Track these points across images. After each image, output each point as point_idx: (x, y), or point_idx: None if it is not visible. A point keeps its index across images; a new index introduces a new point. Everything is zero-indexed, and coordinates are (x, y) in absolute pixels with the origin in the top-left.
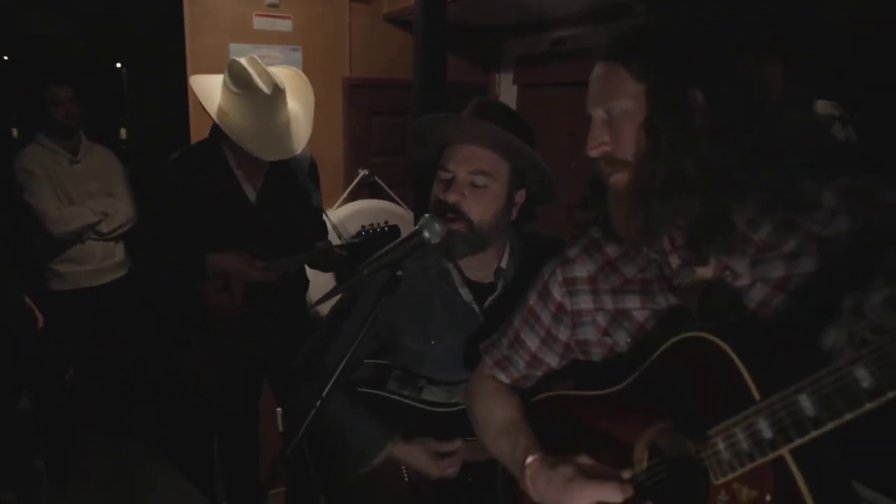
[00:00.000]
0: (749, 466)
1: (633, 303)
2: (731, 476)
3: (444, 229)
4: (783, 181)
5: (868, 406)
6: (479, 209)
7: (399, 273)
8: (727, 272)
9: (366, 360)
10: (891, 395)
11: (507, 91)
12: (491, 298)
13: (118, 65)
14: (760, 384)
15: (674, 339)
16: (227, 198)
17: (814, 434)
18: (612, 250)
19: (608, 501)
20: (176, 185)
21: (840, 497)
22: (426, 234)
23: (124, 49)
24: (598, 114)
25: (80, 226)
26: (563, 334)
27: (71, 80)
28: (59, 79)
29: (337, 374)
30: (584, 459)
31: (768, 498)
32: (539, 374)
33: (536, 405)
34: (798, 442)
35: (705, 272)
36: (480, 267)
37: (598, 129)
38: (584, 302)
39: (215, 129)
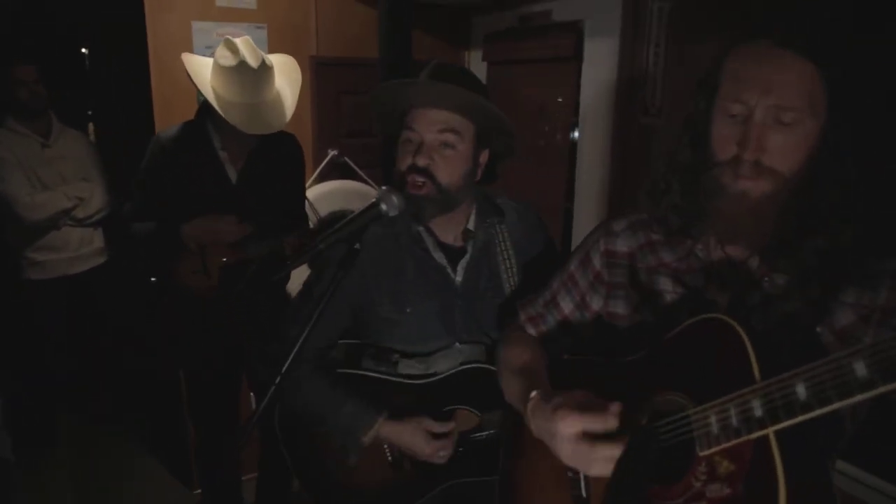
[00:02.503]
0: (734, 441)
1: (665, 285)
2: (715, 449)
3: (402, 202)
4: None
5: (857, 397)
6: (448, 170)
7: (356, 247)
8: (766, 279)
9: (339, 342)
10: (881, 388)
11: (476, 68)
12: (463, 261)
13: (83, 50)
14: (764, 368)
15: (694, 319)
16: (209, 177)
17: (800, 418)
18: (656, 234)
19: (592, 429)
20: (159, 160)
21: (812, 484)
22: (383, 206)
23: (85, 29)
24: (765, 112)
25: (54, 212)
26: (596, 303)
27: (33, 59)
28: (21, 58)
29: (299, 345)
30: (577, 393)
31: (744, 473)
32: (567, 340)
33: (555, 365)
34: (785, 423)
35: (746, 271)
36: (450, 228)
37: (763, 131)
38: (621, 276)
39: (202, 110)
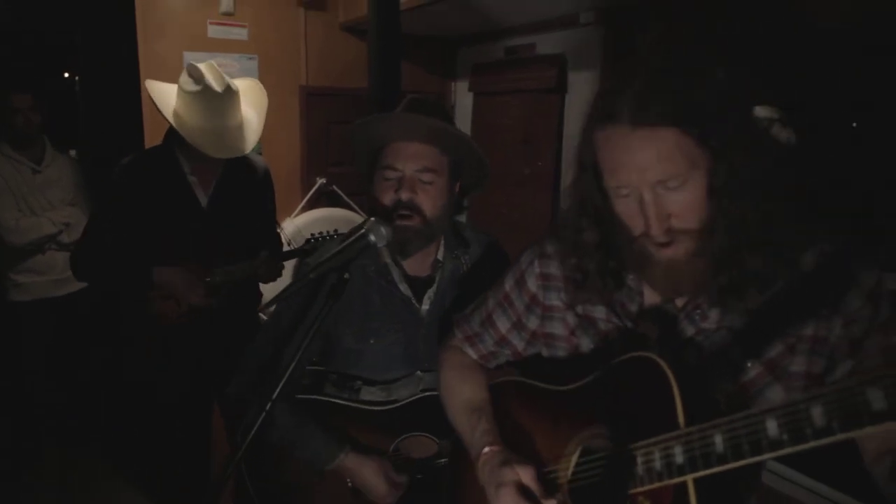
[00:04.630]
0: (657, 485)
1: (599, 313)
2: (639, 490)
3: (390, 233)
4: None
5: (766, 455)
6: (430, 203)
7: (346, 276)
8: (697, 311)
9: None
10: (788, 449)
11: (463, 98)
12: (430, 291)
13: (67, 75)
14: (689, 414)
15: (629, 355)
16: (179, 202)
17: (717, 469)
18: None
19: None
20: (126, 189)
21: None
22: (372, 237)
23: (77, 57)
24: (651, 190)
25: (39, 237)
26: (532, 323)
27: (29, 87)
28: (18, 86)
29: (284, 380)
30: (527, 474)
31: None
32: (507, 352)
33: (496, 387)
34: (702, 473)
35: (678, 305)
36: (421, 260)
37: (658, 203)
38: (557, 299)
39: (169, 135)
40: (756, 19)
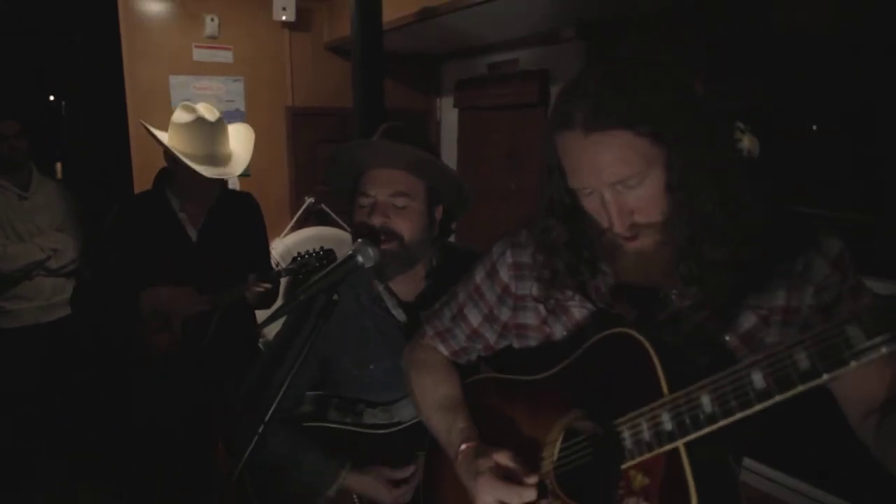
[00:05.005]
0: (647, 455)
1: (572, 299)
2: (630, 463)
3: (377, 254)
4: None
5: (756, 406)
6: (406, 227)
7: (335, 297)
8: (675, 292)
9: (307, 392)
10: (777, 398)
11: (448, 114)
12: (416, 315)
13: (51, 97)
14: (671, 381)
15: (603, 333)
16: (171, 239)
17: (707, 429)
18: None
19: (508, 501)
20: (119, 233)
21: (721, 493)
22: (360, 258)
23: (62, 82)
24: (610, 189)
25: (27, 263)
26: (504, 315)
27: (16, 114)
28: (3, 113)
29: (277, 401)
30: (503, 457)
31: (658, 486)
32: (479, 346)
33: (471, 385)
34: (693, 435)
35: (657, 289)
36: (409, 285)
37: (619, 202)
38: (529, 288)
39: (159, 178)
40: (730, 30)
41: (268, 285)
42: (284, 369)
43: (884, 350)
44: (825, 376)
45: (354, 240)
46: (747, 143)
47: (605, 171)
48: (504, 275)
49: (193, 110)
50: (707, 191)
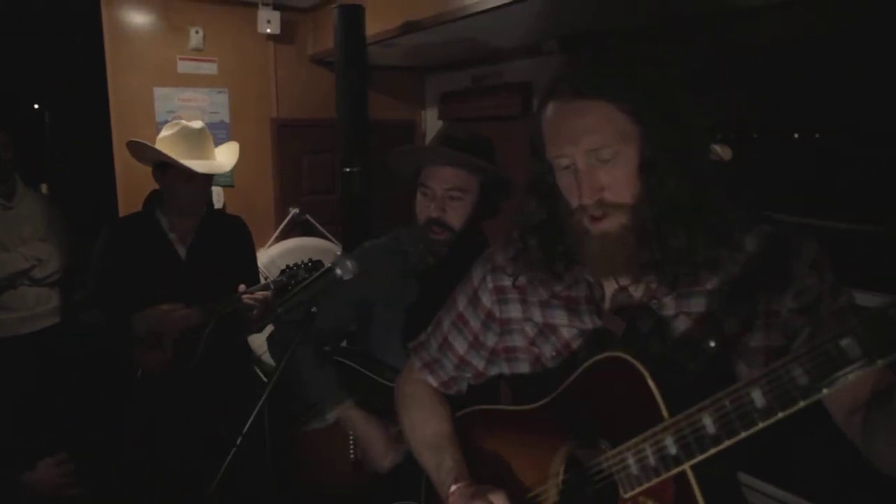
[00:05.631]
0: (655, 481)
1: (560, 318)
2: (638, 490)
3: (355, 266)
4: (718, 216)
5: (760, 425)
6: (458, 217)
7: (314, 310)
8: (654, 301)
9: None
10: (780, 415)
11: (432, 126)
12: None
13: (36, 106)
14: (669, 404)
15: (595, 358)
16: (161, 256)
17: (713, 451)
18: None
19: None
20: (113, 247)
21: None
22: (338, 271)
23: (46, 92)
24: (585, 158)
25: (11, 272)
26: (490, 341)
27: (3, 125)
28: None
29: (263, 399)
30: (499, 497)
31: None
32: (467, 375)
33: (462, 419)
34: (699, 458)
35: (635, 298)
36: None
37: (591, 174)
38: (514, 311)
39: (149, 201)
40: (711, 45)
41: (263, 293)
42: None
43: (880, 363)
44: (825, 391)
45: (420, 224)
46: (719, 150)
47: (582, 137)
48: (486, 301)
49: (177, 124)
50: (677, 178)
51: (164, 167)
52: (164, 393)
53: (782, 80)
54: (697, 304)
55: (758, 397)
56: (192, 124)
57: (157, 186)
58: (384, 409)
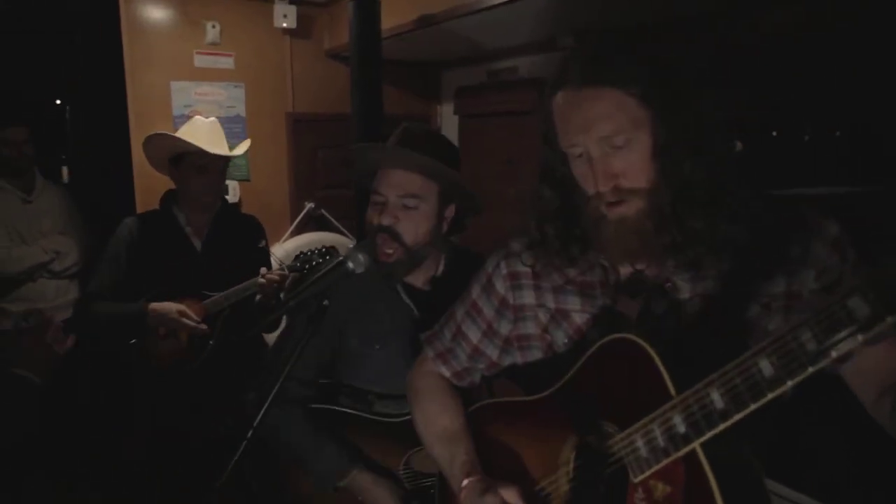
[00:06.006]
0: (665, 462)
1: (573, 304)
2: (648, 473)
3: (368, 260)
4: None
5: (769, 395)
6: (412, 228)
7: (325, 303)
8: (668, 284)
9: (320, 381)
10: (789, 383)
11: (448, 121)
12: (427, 303)
13: (58, 101)
14: (677, 381)
15: (602, 341)
16: (178, 249)
17: (722, 426)
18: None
19: None
20: (130, 240)
21: (746, 492)
22: (350, 264)
23: (65, 87)
24: (598, 146)
25: (31, 265)
26: (504, 328)
27: (25, 120)
28: (11, 119)
29: (269, 401)
30: (511, 494)
31: (681, 492)
32: (481, 366)
33: (474, 413)
34: (708, 434)
35: (650, 281)
36: (419, 276)
37: (605, 161)
38: (527, 297)
39: (166, 198)
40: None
41: (281, 273)
42: (276, 373)
43: (889, 320)
44: (833, 353)
45: (366, 235)
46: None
47: (593, 125)
48: (500, 287)
49: (193, 118)
50: (691, 160)
51: (179, 160)
52: (173, 386)
53: (795, 77)
54: (714, 287)
55: (766, 367)
56: (203, 117)
57: (172, 182)
58: (379, 445)
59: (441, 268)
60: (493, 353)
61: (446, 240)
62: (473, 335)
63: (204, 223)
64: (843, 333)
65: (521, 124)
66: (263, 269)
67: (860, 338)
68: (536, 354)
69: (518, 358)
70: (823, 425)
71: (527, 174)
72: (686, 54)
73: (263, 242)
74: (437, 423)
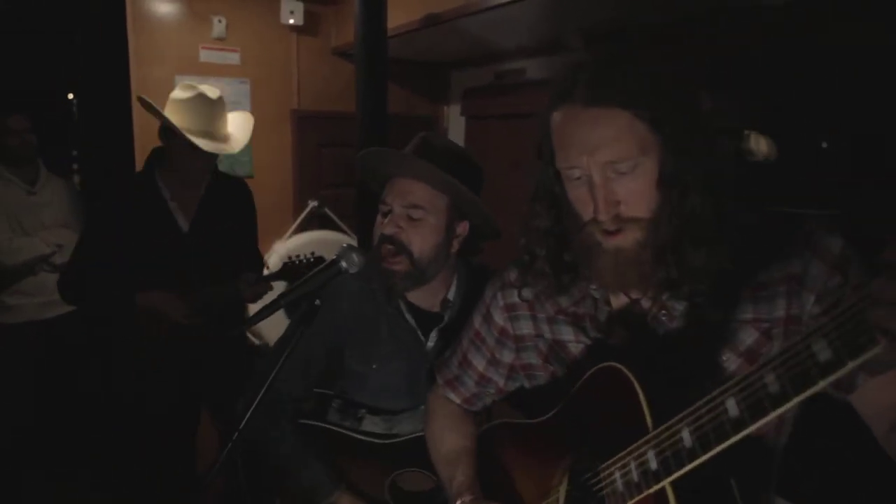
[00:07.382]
0: (638, 497)
1: (567, 335)
2: None
3: (362, 260)
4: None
5: (733, 437)
6: (418, 240)
7: (317, 303)
8: (663, 312)
9: (314, 390)
10: (751, 427)
11: (455, 122)
12: (438, 328)
13: (70, 96)
14: (657, 414)
15: (592, 370)
16: (160, 227)
17: (689, 466)
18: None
19: None
20: (109, 214)
21: None
22: (343, 264)
23: (71, 81)
24: (601, 171)
25: (32, 257)
26: (506, 357)
27: (27, 108)
28: (12, 108)
29: (256, 402)
30: None
31: None
32: (490, 391)
33: (486, 432)
34: (677, 474)
35: (644, 311)
36: (426, 297)
37: (607, 187)
38: (526, 327)
39: (150, 160)
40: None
41: (267, 287)
42: (268, 370)
43: (849, 365)
44: (794, 399)
45: (374, 243)
46: (763, 146)
47: (599, 148)
48: (498, 318)
49: (194, 88)
50: (700, 192)
51: (171, 132)
52: (160, 354)
53: (805, 81)
54: (711, 315)
55: (731, 406)
56: (209, 93)
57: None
58: (364, 465)
59: (453, 289)
60: (499, 380)
61: (463, 261)
62: (479, 363)
63: (193, 200)
64: (805, 378)
65: (528, 126)
66: (247, 276)
67: (821, 383)
68: (542, 381)
69: (525, 383)
70: (828, 442)
71: (534, 177)
72: (699, 79)
73: (252, 214)
74: (442, 444)
